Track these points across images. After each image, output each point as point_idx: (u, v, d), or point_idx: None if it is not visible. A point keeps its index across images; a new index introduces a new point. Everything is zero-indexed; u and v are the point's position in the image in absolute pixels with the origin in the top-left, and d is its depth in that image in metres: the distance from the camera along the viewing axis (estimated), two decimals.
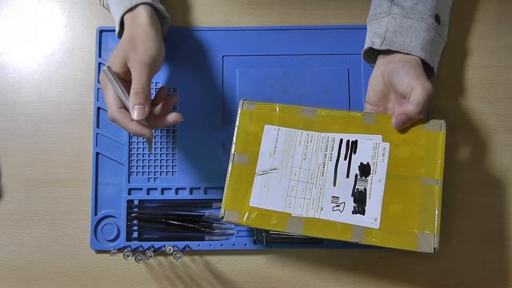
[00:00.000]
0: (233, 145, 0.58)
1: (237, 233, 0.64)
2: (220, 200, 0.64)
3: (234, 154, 0.57)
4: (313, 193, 0.56)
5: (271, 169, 0.57)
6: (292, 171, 0.57)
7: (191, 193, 0.65)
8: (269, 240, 0.64)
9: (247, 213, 0.56)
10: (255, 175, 0.57)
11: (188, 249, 0.63)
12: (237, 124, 0.58)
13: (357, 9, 0.68)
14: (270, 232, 0.64)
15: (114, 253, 0.58)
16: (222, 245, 0.64)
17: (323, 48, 0.67)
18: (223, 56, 0.67)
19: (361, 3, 0.68)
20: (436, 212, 0.54)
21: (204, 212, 0.65)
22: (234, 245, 0.64)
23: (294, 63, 0.67)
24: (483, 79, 0.67)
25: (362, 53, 0.64)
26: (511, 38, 0.68)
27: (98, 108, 0.66)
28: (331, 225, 0.55)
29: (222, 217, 0.56)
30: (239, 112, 0.59)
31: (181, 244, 0.63)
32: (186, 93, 0.66)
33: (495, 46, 0.68)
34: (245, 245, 0.64)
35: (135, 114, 0.53)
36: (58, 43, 0.69)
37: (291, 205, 0.56)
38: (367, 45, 0.63)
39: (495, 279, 0.64)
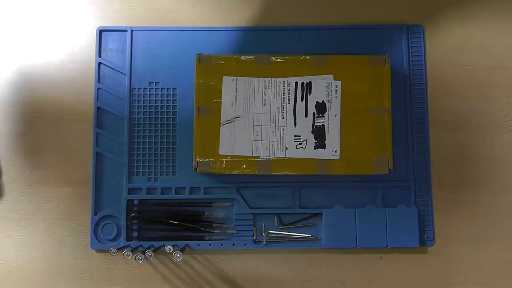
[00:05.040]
0: (195, 99, 0.62)
1: (237, 232, 0.64)
2: (220, 200, 0.65)
3: (197, 108, 0.61)
4: (277, 135, 0.60)
5: (235, 118, 0.61)
6: (254, 117, 0.61)
7: (191, 193, 0.65)
8: (269, 240, 0.64)
9: (218, 162, 0.60)
10: (221, 125, 0.61)
11: (188, 248, 0.63)
12: (196, 79, 0.62)
13: (357, 9, 0.68)
14: (270, 232, 0.64)
15: (114, 253, 0.58)
16: (222, 244, 0.64)
17: (322, 48, 0.67)
18: None
19: (361, 3, 0.68)
20: (388, 138, 0.60)
21: (204, 212, 0.65)
22: (234, 244, 0.64)
23: None
24: (483, 79, 0.67)
25: None
26: (511, 38, 0.68)
27: (98, 108, 0.66)
28: (297, 162, 0.60)
29: (195, 169, 0.60)
30: (196, 67, 0.62)
31: (181, 243, 0.63)
32: (186, 93, 0.66)
33: (495, 46, 0.68)
34: (245, 244, 0.64)
35: None
36: (58, 43, 0.69)
37: (258, 148, 0.60)
38: None
39: (495, 279, 0.64)
